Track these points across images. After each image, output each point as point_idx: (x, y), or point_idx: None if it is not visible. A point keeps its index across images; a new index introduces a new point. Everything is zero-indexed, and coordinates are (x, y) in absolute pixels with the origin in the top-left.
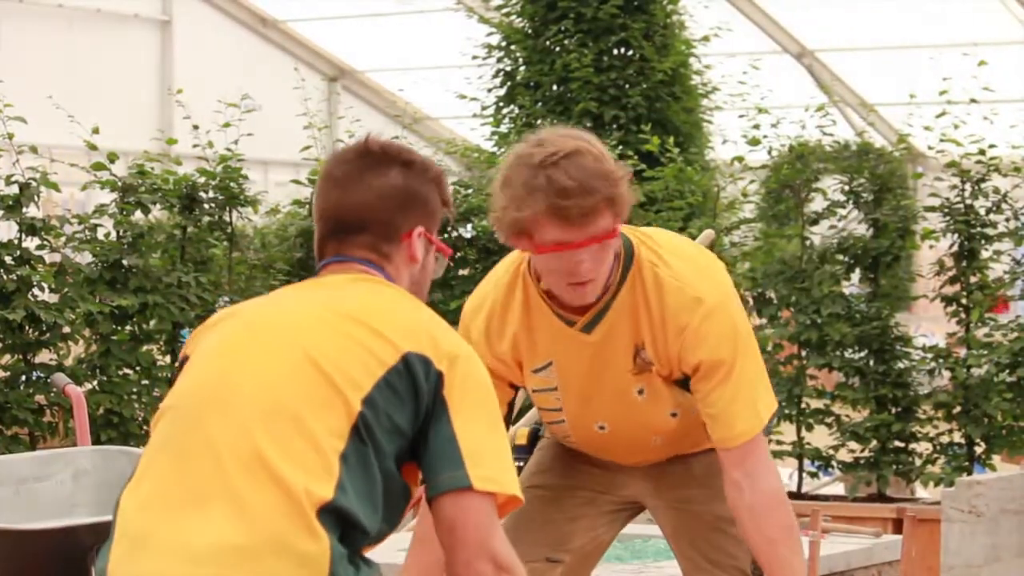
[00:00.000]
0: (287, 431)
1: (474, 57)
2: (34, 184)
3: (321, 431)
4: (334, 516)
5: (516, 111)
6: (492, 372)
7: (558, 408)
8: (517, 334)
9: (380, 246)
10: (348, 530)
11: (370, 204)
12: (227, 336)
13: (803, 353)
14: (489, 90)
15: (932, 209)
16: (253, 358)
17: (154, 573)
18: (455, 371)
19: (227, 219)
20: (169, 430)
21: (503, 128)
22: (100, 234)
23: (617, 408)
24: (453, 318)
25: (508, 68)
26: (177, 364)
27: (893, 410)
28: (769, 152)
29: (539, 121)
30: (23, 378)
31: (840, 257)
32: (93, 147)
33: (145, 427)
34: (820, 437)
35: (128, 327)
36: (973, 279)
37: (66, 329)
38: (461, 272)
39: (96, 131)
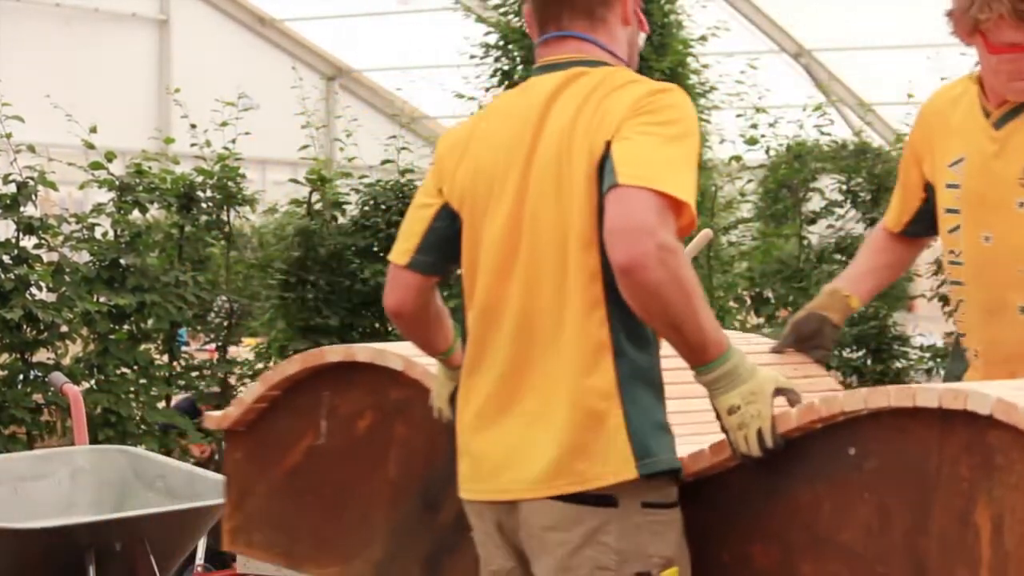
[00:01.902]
0: None
1: (472, 56)
2: (32, 183)
3: None
4: None
5: None
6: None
7: (956, 209)
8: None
9: (596, 9)
10: None
11: None
12: None
13: None
14: (487, 89)
15: None
16: None
17: None
18: (634, 120)
19: (225, 218)
20: None
21: None
22: (98, 233)
23: (1002, 217)
24: None
25: (506, 67)
26: None
27: None
28: (767, 151)
29: None
30: (21, 377)
31: (838, 256)
32: (91, 146)
33: (143, 426)
34: None
35: (126, 326)
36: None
37: (64, 328)
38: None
39: (94, 130)
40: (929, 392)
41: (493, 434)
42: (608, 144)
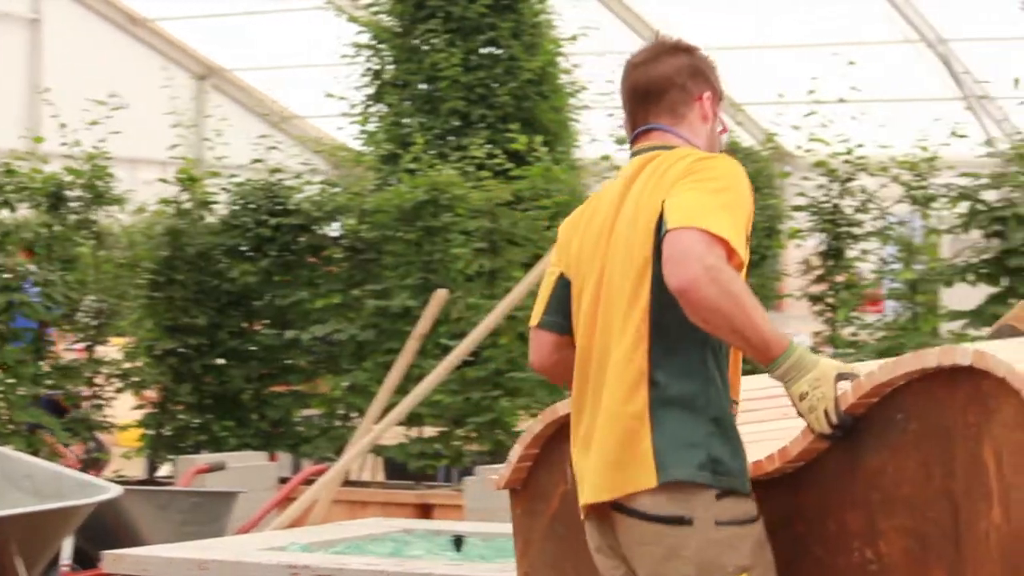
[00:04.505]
0: None
1: (343, 56)
2: None
3: None
4: None
5: (384, 110)
6: None
7: None
8: None
9: (677, 107)
10: None
11: (668, 74)
12: None
13: None
14: (357, 89)
15: (799, 208)
16: None
17: None
18: (684, 180)
19: (94, 217)
20: None
21: (371, 127)
22: None
23: None
24: (318, 316)
25: (376, 67)
26: None
27: None
28: None
29: (407, 120)
30: None
31: None
32: None
33: (11, 425)
34: None
35: None
36: (839, 278)
37: None
38: (328, 269)
39: None
40: (930, 354)
41: (587, 458)
42: (663, 203)
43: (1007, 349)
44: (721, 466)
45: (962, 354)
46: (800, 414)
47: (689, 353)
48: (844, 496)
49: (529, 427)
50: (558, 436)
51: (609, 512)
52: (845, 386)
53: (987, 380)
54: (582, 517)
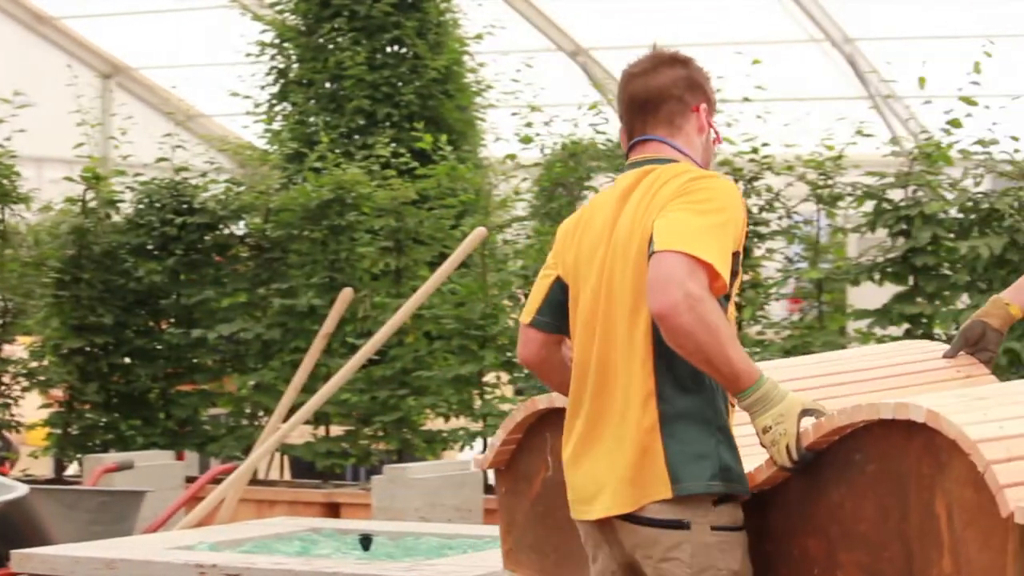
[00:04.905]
0: None
1: (248, 55)
2: None
3: None
4: None
5: (289, 108)
6: None
7: None
8: None
9: (675, 119)
10: None
11: (666, 86)
12: None
13: None
14: (262, 87)
15: None
16: None
17: None
18: (675, 200)
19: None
20: None
21: (276, 126)
22: None
23: None
24: (224, 315)
25: (281, 66)
26: None
27: None
28: (541, 150)
29: (312, 119)
30: None
31: None
32: None
33: None
34: None
35: None
36: (746, 277)
37: None
38: (234, 268)
39: None
40: (885, 407)
41: (583, 469)
42: (654, 223)
43: (960, 404)
44: (730, 473)
45: (915, 411)
46: (763, 446)
47: (691, 366)
48: (807, 523)
49: (511, 415)
50: (539, 425)
51: (612, 520)
52: (810, 421)
53: (940, 435)
54: (578, 519)
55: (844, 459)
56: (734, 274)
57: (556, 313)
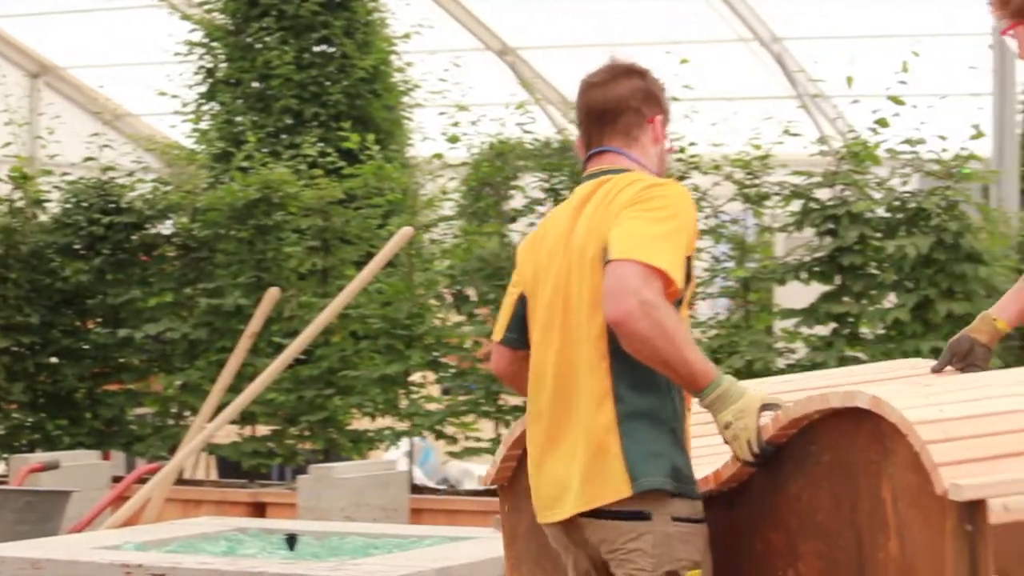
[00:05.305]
0: None
1: (176, 54)
2: None
3: None
4: None
5: (216, 108)
6: None
7: None
8: None
9: (631, 130)
10: None
11: (624, 97)
12: None
13: None
14: (190, 87)
15: None
16: None
17: None
18: (630, 208)
19: None
20: None
21: (203, 125)
22: None
23: None
24: (150, 315)
25: (209, 65)
26: None
27: None
28: (468, 150)
29: (239, 118)
30: None
31: None
32: None
33: None
34: None
35: None
36: None
37: None
38: (161, 268)
39: None
40: (834, 396)
41: (545, 472)
42: (609, 232)
43: (905, 390)
44: (680, 474)
45: (861, 398)
46: (725, 442)
47: (648, 369)
48: (769, 517)
49: (510, 431)
50: (523, 439)
51: (577, 519)
52: (769, 416)
53: (885, 422)
54: (545, 523)
55: (801, 452)
56: (688, 278)
57: (523, 329)
